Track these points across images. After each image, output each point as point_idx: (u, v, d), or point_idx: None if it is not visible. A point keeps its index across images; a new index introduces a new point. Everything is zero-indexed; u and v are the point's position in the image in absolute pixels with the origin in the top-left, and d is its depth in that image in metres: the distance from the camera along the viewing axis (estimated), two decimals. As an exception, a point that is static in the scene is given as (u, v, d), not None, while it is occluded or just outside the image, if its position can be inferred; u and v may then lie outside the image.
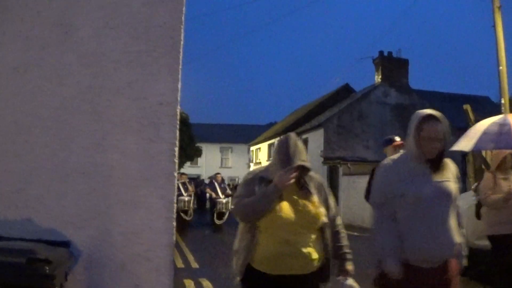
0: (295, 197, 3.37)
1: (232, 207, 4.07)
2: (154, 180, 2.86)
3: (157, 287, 2.88)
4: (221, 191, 20.88)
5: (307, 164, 3.46)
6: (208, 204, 26.44)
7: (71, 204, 2.87)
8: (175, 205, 2.95)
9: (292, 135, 3.67)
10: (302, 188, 3.45)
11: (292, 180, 3.25)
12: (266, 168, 3.57)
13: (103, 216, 2.86)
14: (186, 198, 19.79)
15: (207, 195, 26.11)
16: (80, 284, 2.84)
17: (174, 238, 2.89)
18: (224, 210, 20.18)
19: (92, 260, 2.86)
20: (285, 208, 3.27)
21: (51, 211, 2.86)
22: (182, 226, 17.95)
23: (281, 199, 3.26)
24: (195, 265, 11.51)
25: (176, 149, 2.87)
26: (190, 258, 12.32)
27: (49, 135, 2.90)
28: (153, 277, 2.87)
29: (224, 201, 20.25)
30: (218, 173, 23.68)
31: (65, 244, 2.79)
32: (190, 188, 21.06)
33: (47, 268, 2.45)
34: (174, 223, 2.89)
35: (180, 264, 11.50)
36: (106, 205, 2.87)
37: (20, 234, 2.79)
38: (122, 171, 2.87)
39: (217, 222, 19.86)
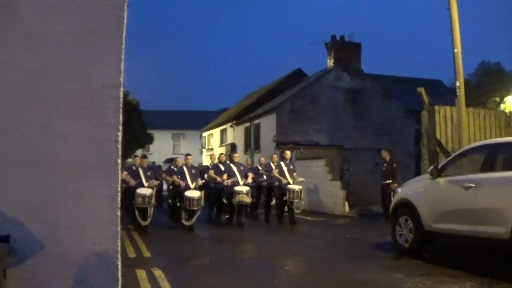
0: None
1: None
2: (100, 168, 2.71)
3: (104, 281, 2.74)
4: (191, 178, 16.75)
5: None
6: (169, 197, 19.40)
7: (13, 197, 2.70)
8: (119, 194, 2.79)
9: None
10: None
11: None
12: None
13: (48, 209, 2.69)
14: (147, 192, 15.57)
15: (164, 186, 23.36)
16: (23, 281, 2.68)
17: (119, 229, 2.74)
18: (195, 208, 15.97)
19: (36, 256, 2.70)
20: None
21: (-9, 204, 2.69)
22: (141, 227, 15.38)
23: None
24: (147, 254, 11.41)
25: (120, 134, 2.72)
26: (143, 247, 12.19)
27: (-11, 123, 2.72)
28: (100, 271, 2.73)
29: (196, 195, 16.00)
30: (177, 158, 19.00)
31: (4, 238, 2.62)
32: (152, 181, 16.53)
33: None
34: (119, 213, 2.74)
35: (132, 253, 11.38)
36: (51, 196, 2.70)
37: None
38: (67, 160, 2.70)
39: (186, 223, 15.85)
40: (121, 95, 2.78)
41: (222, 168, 18.69)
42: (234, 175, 17.80)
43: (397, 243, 11.29)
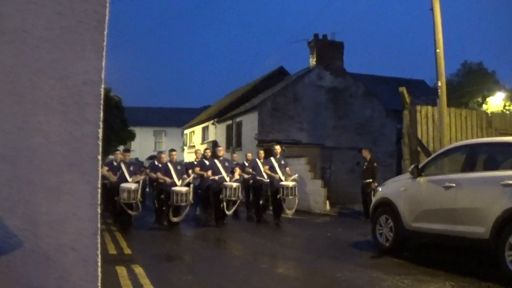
0: None
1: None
2: (79, 164, 2.69)
3: (84, 278, 2.73)
4: (177, 175, 16.05)
5: None
6: (153, 194, 18.59)
7: (-9, 192, 2.68)
8: (99, 191, 2.78)
9: None
10: None
11: None
12: None
13: (26, 205, 2.67)
14: (132, 187, 14.92)
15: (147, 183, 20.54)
16: (1, 276, 2.66)
17: (99, 226, 2.73)
18: (183, 203, 15.45)
19: (14, 252, 2.68)
20: None
21: (-32, 200, 2.67)
22: (125, 224, 14.92)
23: None
24: (127, 251, 11.38)
25: (100, 130, 2.71)
26: (123, 244, 12.16)
27: (-34, 119, 2.70)
28: (80, 267, 2.71)
29: (183, 190, 15.36)
30: (162, 152, 18.43)
31: (-18, 234, 2.60)
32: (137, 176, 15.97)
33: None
34: (99, 210, 2.72)
35: (112, 250, 11.35)
36: (29, 192, 2.69)
37: None
38: (45, 156, 2.68)
39: (175, 219, 15.36)
40: (102, 92, 2.77)
41: (207, 164, 17.49)
42: (219, 171, 16.64)
43: (377, 242, 11.35)
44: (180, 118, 59.14)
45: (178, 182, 15.73)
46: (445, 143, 15.54)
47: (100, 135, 2.71)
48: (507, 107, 43.18)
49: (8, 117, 2.69)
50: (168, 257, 10.89)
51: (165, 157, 17.26)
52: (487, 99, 45.02)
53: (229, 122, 36.22)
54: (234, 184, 16.30)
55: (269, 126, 30.03)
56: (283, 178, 17.31)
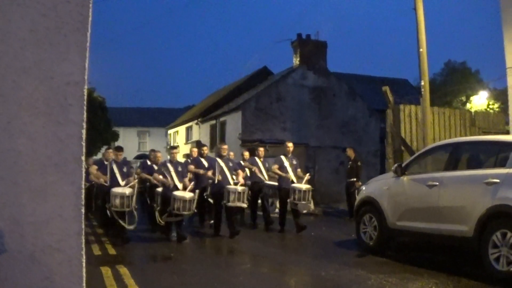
0: None
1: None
2: (63, 165, 2.70)
3: (69, 279, 2.73)
4: (178, 178, 13.47)
5: None
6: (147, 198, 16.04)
7: (-25, 194, 2.68)
8: (82, 192, 2.78)
9: None
10: None
11: None
12: None
13: (11, 206, 2.67)
14: (127, 191, 12.63)
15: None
16: (-14, 278, 2.66)
17: (83, 226, 2.74)
18: (186, 212, 13.04)
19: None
20: None
21: (-47, 202, 2.67)
22: (119, 238, 12.45)
23: None
24: (112, 251, 11.34)
25: (84, 131, 2.72)
26: (108, 245, 12.11)
27: (-50, 120, 2.70)
28: (65, 268, 2.72)
29: (187, 196, 12.85)
30: (156, 150, 16.81)
31: (-33, 236, 2.60)
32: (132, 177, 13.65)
33: None
34: (83, 210, 2.73)
35: (97, 251, 11.32)
36: (14, 193, 2.69)
37: None
38: (30, 157, 2.69)
39: (176, 232, 13.17)
40: (85, 92, 2.78)
41: (205, 163, 15.05)
42: (224, 173, 14.23)
43: (361, 241, 11.39)
44: (163, 118, 59.08)
45: (180, 185, 13.28)
46: (428, 142, 15.63)
47: (84, 135, 2.72)
48: (490, 106, 43.48)
49: (-8, 118, 2.69)
50: (153, 257, 10.88)
51: (160, 156, 15.97)
52: (471, 98, 45.33)
53: (213, 122, 36.19)
54: (240, 188, 13.92)
55: (253, 126, 30.03)
56: (295, 179, 15.17)
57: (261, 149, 17.22)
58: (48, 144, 2.69)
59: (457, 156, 9.62)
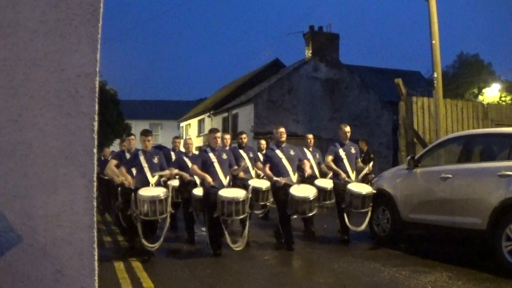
0: None
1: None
2: (74, 157, 2.68)
3: (80, 272, 2.72)
4: (224, 173, 10.29)
5: None
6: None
7: (-13, 186, 2.66)
8: (94, 184, 2.76)
9: None
10: None
11: None
12: None
13: (22, 199, 2.66)
14: (161, 193, 9.46)
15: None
16: (-2, 271, 2.65)
17: (95, 219, 2.72)
18: (241, 216, 10.00)
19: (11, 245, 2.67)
20: None
21: (-36, 195, 2.66)
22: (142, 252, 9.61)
23: None
24: (125, 244, 11.33)
25: (96, 123, 2.70)
26: (120, 238, 12.12)
27: (-39, 113, 2.68)
28: (76, 261, 2.70)
29: (241, 195, 9.88)
30: (177, 137, 14.46)
31: (-22, 229, 2.58)
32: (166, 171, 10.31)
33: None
34: (95, 203, 2.71)
35: (109, 244, 11.32)
36: (25, 186, 2.67)
37: None
38: (41, 149, 2.67)
39: (233, 245, 10.12)
40: (97, 84, 2.75)
41: (244, 155, 12.33)
42: (284, 168, 10.86)
43: (374, 233, 11.36)
44: (176, 111, 59.23)
45: (225, 181, 10.21)
46: (441, 134, 15.56)
47: (96, 128, 2.70)
48: (503, 98, 43.25)
49: (3, 110, 2.67)
50: (166, 250, 10.85)
51: (191, 145, 12.82)
52: (483, 90, 45.10)
53: (225, 114, 36.22)
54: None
55: (265, 118, 30.04)
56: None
57: (310, 136, 14.33)
58: (59, 136, 2.67)
59: (470, 148, 9.56)
